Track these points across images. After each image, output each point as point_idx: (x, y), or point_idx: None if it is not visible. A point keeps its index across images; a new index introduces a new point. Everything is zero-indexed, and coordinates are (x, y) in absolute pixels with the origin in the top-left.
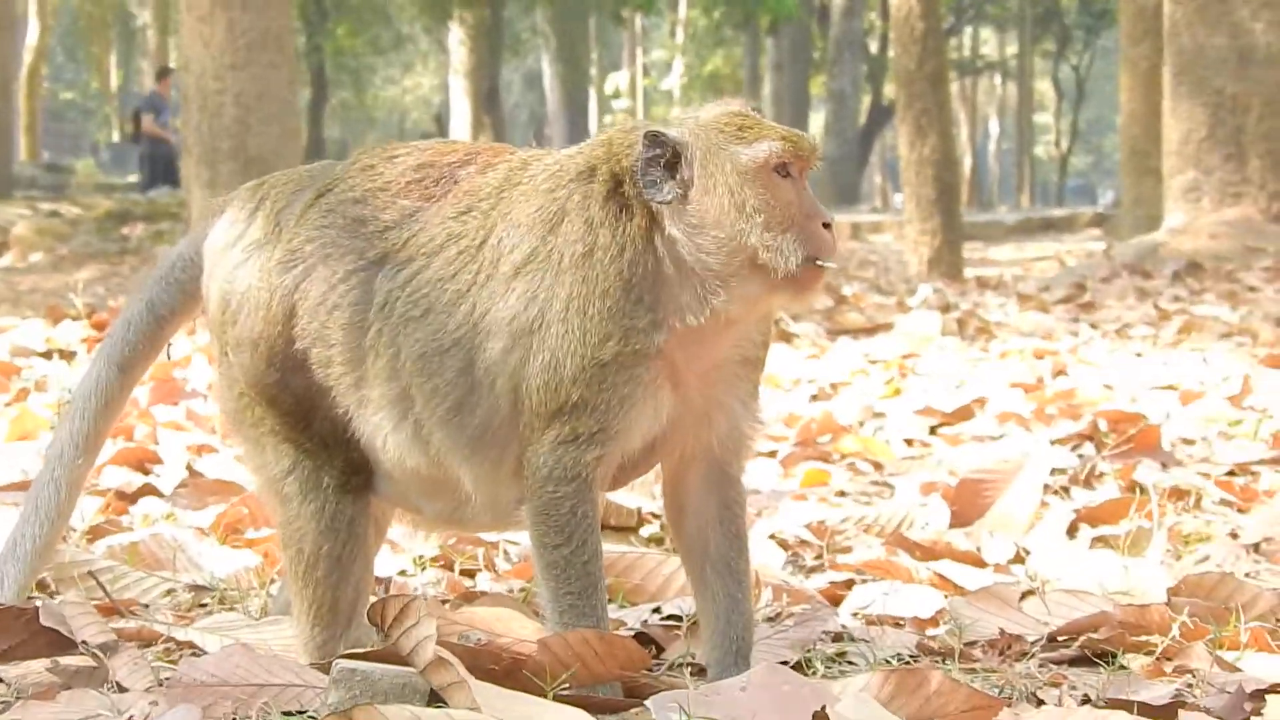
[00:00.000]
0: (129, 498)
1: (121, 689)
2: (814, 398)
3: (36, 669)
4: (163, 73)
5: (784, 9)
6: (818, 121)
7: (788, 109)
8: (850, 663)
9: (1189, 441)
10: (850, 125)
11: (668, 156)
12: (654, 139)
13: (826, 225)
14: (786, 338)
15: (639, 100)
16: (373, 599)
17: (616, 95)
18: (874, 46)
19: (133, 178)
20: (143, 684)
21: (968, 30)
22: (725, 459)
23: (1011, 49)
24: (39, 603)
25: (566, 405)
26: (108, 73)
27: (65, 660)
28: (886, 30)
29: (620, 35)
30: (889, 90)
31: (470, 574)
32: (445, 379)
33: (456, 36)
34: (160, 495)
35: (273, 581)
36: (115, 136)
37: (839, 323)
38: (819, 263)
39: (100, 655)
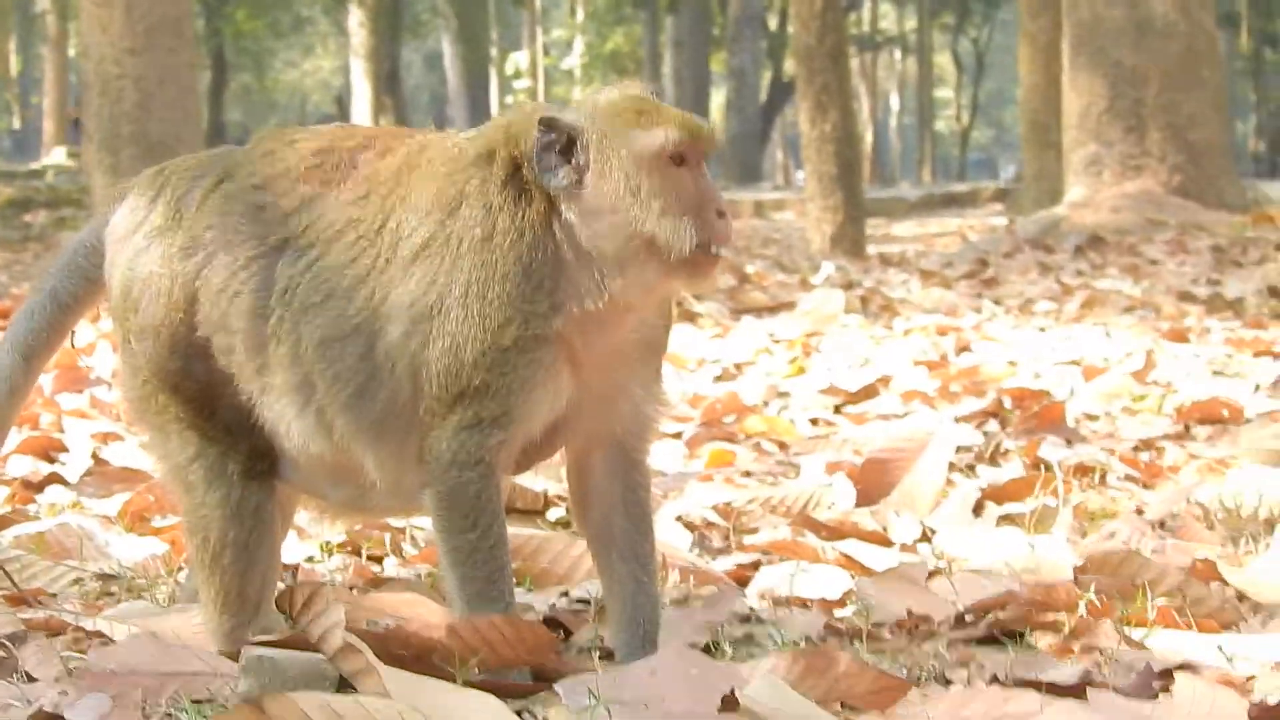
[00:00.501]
0: (35, 486)
1: (30, 679)
2: (718, 378)
3: None
4: None
5: None
6: (719, 99)
7: (688, 86)
8: (758, 644)
9: (1093, 418)
10: (751, 102)
11: (563, 142)
12: (549, 124)
13: (721, 213)
14: (690, 317)
15: (540, 80)
16: (281, 586)
17: (517, 75)
18: (774, 23)
19: (34, 165)
20: (52, 673)
21: (866, 5)
22: (629, 442)
23: (911, 23)
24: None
25: (468, 390)
26: (7, 58)
27: None
28: (786, 6)
29: (520, 15)
30: (789, 67)
31: (377, 559)
32: (346, 365)
33: (356, 18)
34: (66, 484)
35: (180, 569)
36: (16, 124)
37: (742, 301)
38: (714, 250)
39: (8, 645)
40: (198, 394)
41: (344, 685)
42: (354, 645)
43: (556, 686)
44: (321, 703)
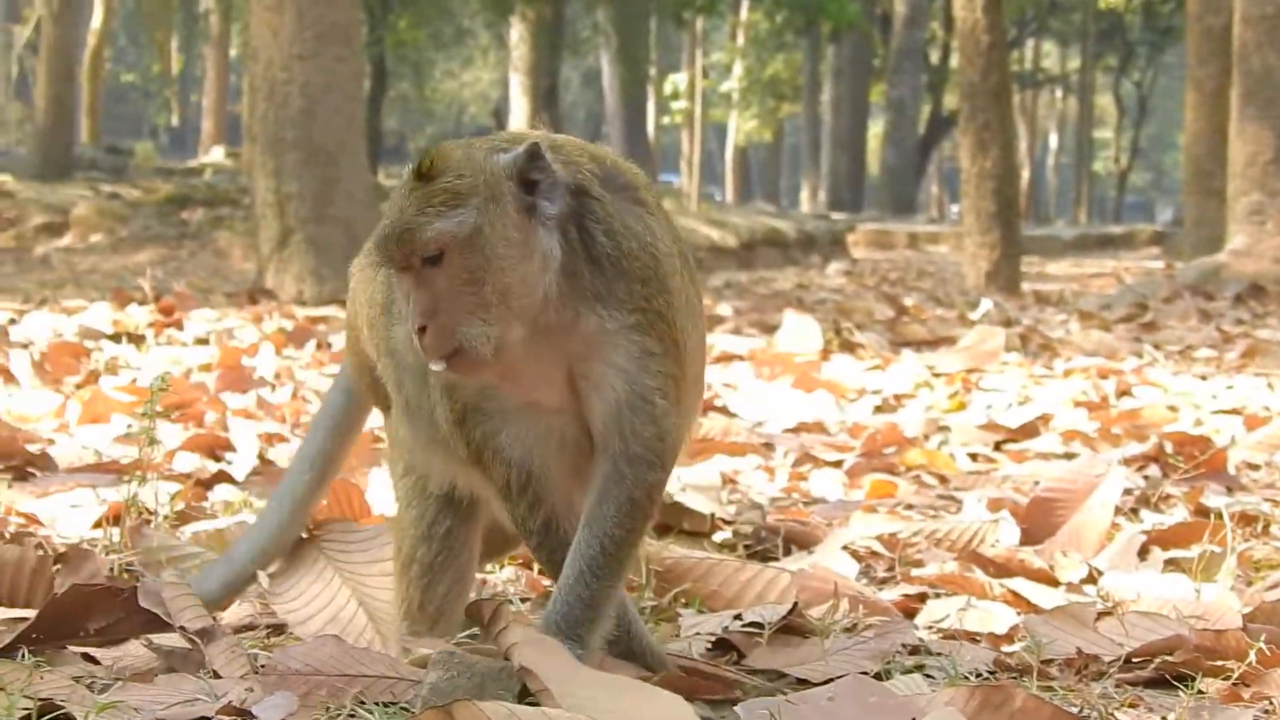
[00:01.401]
0: (205, 484)
1: (217, 675)
2: (878, 409)
3: (132, 649)
4: None
5: (846, 17)
6: (876, 129)
7: (846, 117)
8: (928, 676)
9: (1254, 467)
10: (909, 135)
11: None
12: None
13: (421, 328)
14: (850, 347)
15: (697, 102)
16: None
17: (675, 96)
18: (935, 56)
19: (192, 163)
20: (238, 670)
21: (1029, 43)
22: None
23: (1074, 63)
24: (138, 583)
25: None
26: (169, 57)
27: (160, 640)
28: (948, 40)
29: (681, 37)
30: (948, 101)
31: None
32: None
33: (517, 33)
34: (234, 482)
35: None
36: (175, 121)
37: (901, 334)
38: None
39: (196, 640)
40: None
41: (528, 691)
42: (529, 670)
43: (737, 708)
44: (507, 713)
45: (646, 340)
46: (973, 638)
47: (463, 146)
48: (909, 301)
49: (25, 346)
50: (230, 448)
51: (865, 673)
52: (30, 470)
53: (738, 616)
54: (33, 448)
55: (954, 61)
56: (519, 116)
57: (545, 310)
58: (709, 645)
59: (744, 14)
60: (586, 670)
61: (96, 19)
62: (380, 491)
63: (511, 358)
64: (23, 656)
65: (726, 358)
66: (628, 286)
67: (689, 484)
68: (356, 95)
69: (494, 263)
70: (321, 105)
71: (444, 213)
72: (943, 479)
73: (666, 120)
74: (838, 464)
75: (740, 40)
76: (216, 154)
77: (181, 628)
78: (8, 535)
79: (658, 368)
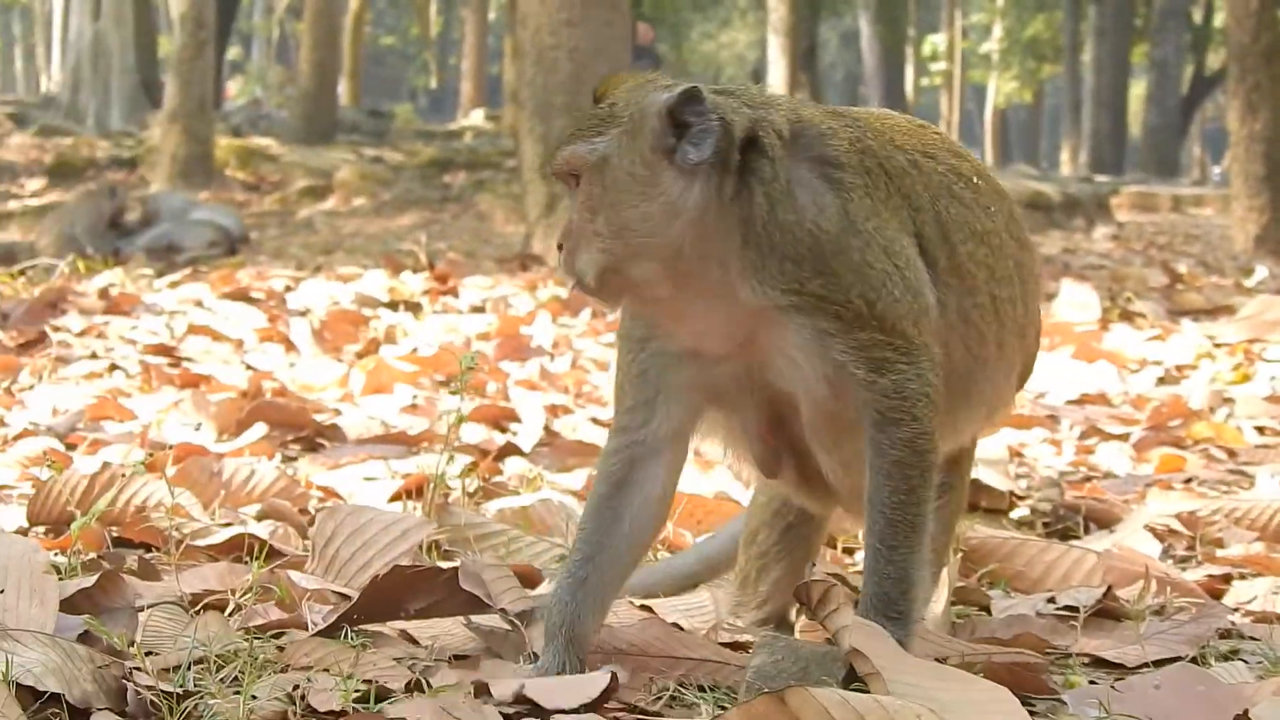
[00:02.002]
0: (495, 456)
1: (536, 657)
2: (1160, 380)
3: (451, 629)
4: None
5: None
6: (1138, 90)
7: (1108, 76)
8: (1244, 660)
9: None
10: (1171, 95)
11: None
12: None
13: (559, 246)
14: (1128, 317)
15: (957, 63)
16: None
17: (934, 57)
18: (1198, 16)
19: (452, 126)
20: None
21: None
22: None
23: None
24: (459, 563)
25: None
26: (428, 19)
27: (479, 619)
28: (1212, 0)
29: None
30: (1212, 60)
31: (850, 551)
32: None
33: None
34: (523, 454)
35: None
36: (433, 84)
37: (1178, 303)
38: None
39: (517, 622)
40: None
41: (853, 674)
42: (862, 653)
43: (1065, 696)
44: (840, 700)
45: (816, 320)
46: None
47: (637, 79)
48: (1181, 268)
49: (304, 314)
50: (515, 418)
51: (1181, 658)
52: (320, 441)
53: (1051, 600)
54: (321, 418)
55: (1217, 21)
56: (777, 78)
57: (684, 258)
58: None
59: None
60: (914, 658)
61: None
62: None
63: (652, 292)
64: (346, 636)
65: None
66: (779, 264)
67: (980, 459)
68: (624, 59)
69: (611, 194)
70: (589, 70)
71: (584, 136)
72: (1231, 453)
73: (925, 82)
74: (1124, 437)
75: (1000, 1)
76: (476, 117)
77: (502, 610)
78: (312, 510)
79: (841, 345)
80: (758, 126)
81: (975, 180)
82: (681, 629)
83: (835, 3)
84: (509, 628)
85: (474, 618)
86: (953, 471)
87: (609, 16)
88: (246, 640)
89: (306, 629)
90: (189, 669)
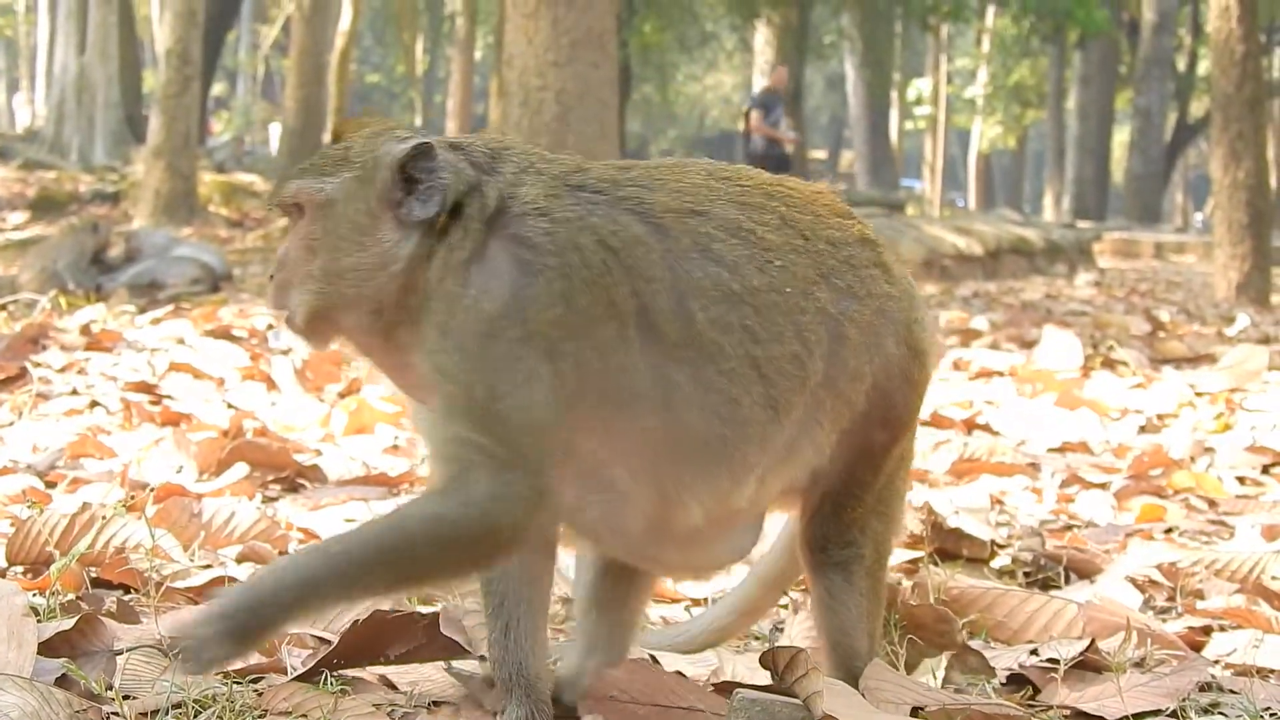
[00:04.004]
0: None
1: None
2: (1142, 429)
3: (429, 674)
4: (776, 69)
5: (1094, 23)
6: (1122, 136)
7: (1092, 123)
8: (1223, 715)
9: None
10: (1155, 143)
11: None
12: None
13: (271, 278)
14: (1110, 364)
15: (941, 108)
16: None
17: (919, 102)
18: (1182, 64)
19: None
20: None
21: (1277, 51)
22: None
23: None
24: (440, 608)
25: None
26: (414, 58)
27: (459, 665)
28: (1195, 48)
29: (925, 42)
30: (1195, 108)
31: None
32: None
33: (762, 36)
34: None
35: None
36: (418, 120)
37: (1160, 351)
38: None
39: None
40: None
41: None
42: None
43: None
44: None
45: (439, 398)
46: (1264, 674)
47: (377, 125)
48: (1163, 315)
49: (286, 353)
50: None
51: (1162, 711)
52: (301, 482)
53: (1033, 651)
54: (302, 459)
55: (1201, 69)
56: None
57: (388, 312)
58: (1003, 681)
59: (990, 19)
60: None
61: (345, 20)
62: None
63: (356, 339)
64: (325, 681)
65: (986, 374)
66: (436, 333)
67: (961, 507)
68: (610, 101)
69: (332, 238)
70: (575, 112)
71: (313, 174)
72: (1212, 503)
73: (910, 125)
74: (1105, 486)
75: (985, 46)
76: None
77: (482, 656)
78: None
79: (449, 430)
80: (470, 193)
81: (759, 232)
82: (681, 675)
83: (821, 46)
84: (488, 674)
85: (454, 663)
86: (861, 529)
87: (595, 58)
88: (225, 685)
89: (285, 673)
90: (168, 714)
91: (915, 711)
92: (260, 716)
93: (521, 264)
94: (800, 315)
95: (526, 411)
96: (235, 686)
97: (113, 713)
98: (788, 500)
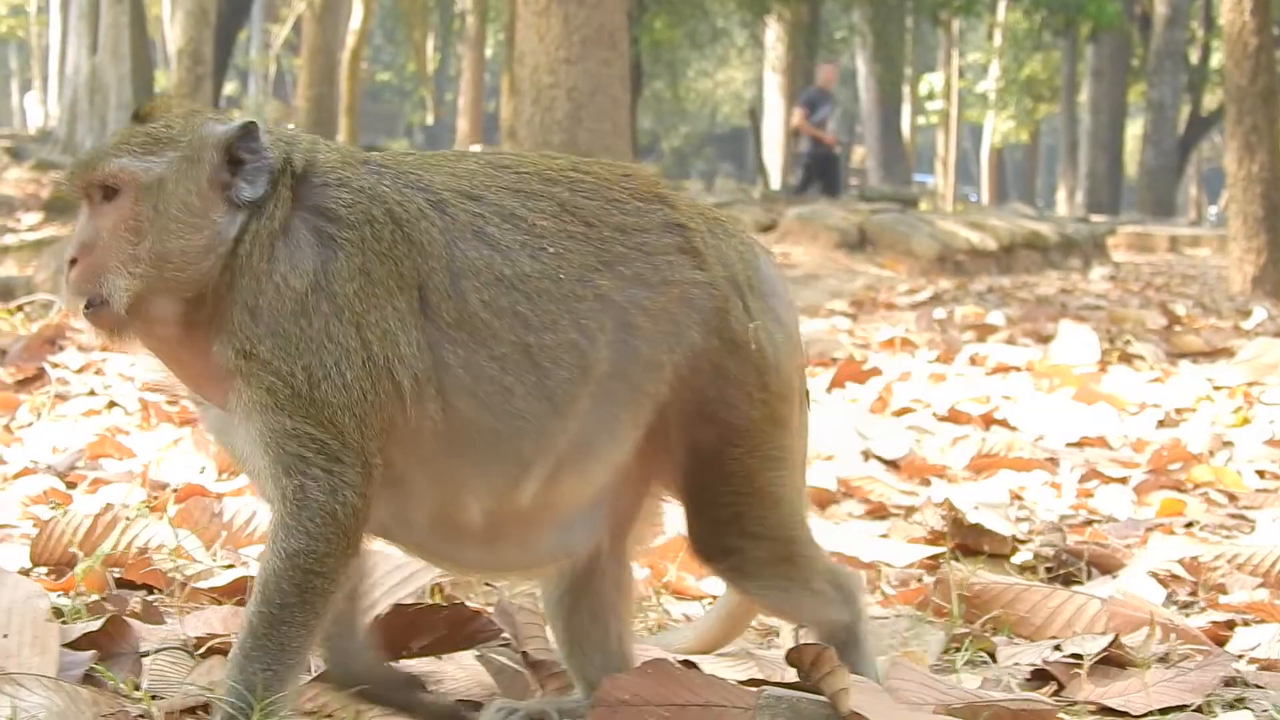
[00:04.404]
0: None
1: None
2: (1160, 423)
3: (454, 671)
4: (823, 67)
5: (1106, 17)
6: (1134, 130)
7: (1105, 116)
8: (1249, 709)
9: None
10: (1168, 136)
11: None
12: None
13: (72, 262)
14: (1128, 359)
15: (954, 102)
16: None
17: (931, 96)
18: (1194, 57)
19: None
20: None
21: None
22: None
23: None
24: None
25: None
26: (425, 56)
27: (492, 654)
28: (1208, 41)
29: (937, 36)
30: (1208, 101)
31: None
32: None
33: (773, 32)
34: None
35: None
36: (430, 120)
37: (1177, 345)
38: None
39: (532, 666)
40: None
41: None
42: (862, 716)
43: None
44: None
45: (253, 391)
46: None
47: (188, 105)
48: (1179, 309)
49: None
50: None
51: (1187, 706)
52: None
53: (1057, 647)
54: None
55: (1214, 62)
56: (774, 115)
57: (205, 299)
58: (1027, 676)
59: (1001, 14)
60: (919, 715)
61: (355, 19)
62: None
63: (158, 330)
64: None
65: (1003, 369)
66: (241, 315)
67: (981, 502)
68: (621, 98)
69: (162, 221)
70: (587, 109)
71: (136, 153)
72: (1231, 497)
73: (922, 120)
74: (1124, 480)
75: (997, 40)
76: None
77: (524, 653)
78: None
79: (261, 426)
80: (282, 167)
81: (531, 219)
82: (692, 666)
83: (832, 41)
84: (519, 668)
85: (487, 652)
86: (740, 533)
87: (607, 55)
88: None
89: (309, 671)
90: (194, 714)
91: (942, 709)
92: (287, 716)
93: (327, 238)
94: (577, 303)
95: (346, 391)
96: None
97: (141, 713)
98: (629, 500)
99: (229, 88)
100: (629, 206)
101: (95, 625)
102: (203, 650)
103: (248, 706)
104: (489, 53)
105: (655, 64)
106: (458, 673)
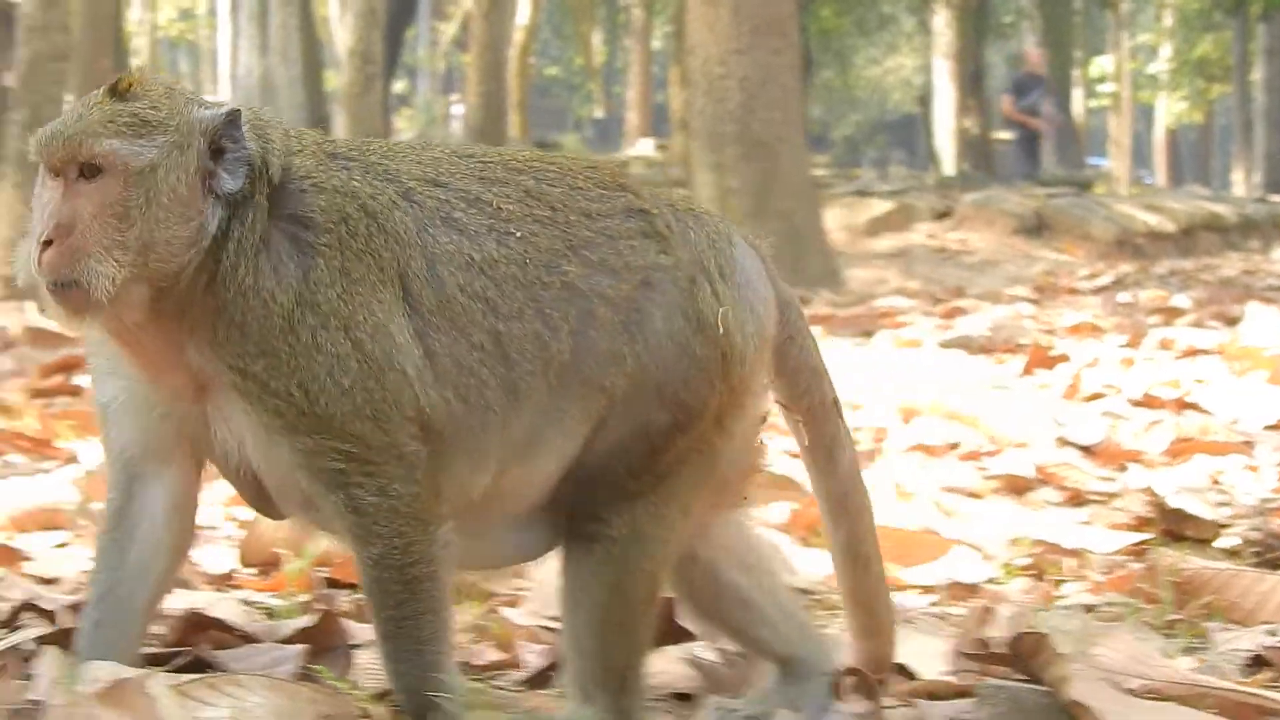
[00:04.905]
0: None
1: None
2: None
3: (666, 666)
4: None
5: None
6: None
7: (1277, 95)
8: None
9: None
10: None
11: None
12: None
13: (45, 241)
14: None
15: (1125, 84)
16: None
17: (1101, 79)
18: None
19: (618, 155)
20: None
21: None
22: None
23: None
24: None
25: None
26: (592, 50)
27: (700, 655)
28: None
29: (1106, 19)
30: None
31: (1058, 583)
32: None
33: (942, 18)
34: None
35: None
36: (599, 113)
37: None
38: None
39: (737, 660)
40: None
41: None
42: (1085, 705)
43: None
44: None
45: (261, 413)
46: None
47: (167, 85)
48: None
49: None
50: None
51: None
52: None
53: (1272, 632)
54: None
55: None
56: (944, 101)
57: (179, 292)
58: (1245, 662)
59: None
60: (1142, 702)
61: (523, 15)
62: None
63: (126, 316)
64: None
65: (1193, 352)
66: (228, 328)
67: (1181, 487)
68: (793, 87)
69: (152, 210)
70: (759, 99)
71: (125, 135)
72: None
73: (1093, 103)
74: None
75: (1168, 21)
76: (645, 146)
77: (722, 648)
78: None
79: (288, 449)
80: (259, 166)
81: (497, 203)
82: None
83: (1001, 25)
84: (728, 665)
85: (694, 653)
86: (617, 510)
87: (778, 45)
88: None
89: (519, 669)
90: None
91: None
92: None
93: (305, 246)
94: (542, 291)
95: (348, 398)
96: (474, 682)
97: (362, 712)
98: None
99: (398, 86)
100: (592, 194)
101: (309, 620)
102: None
103: (427, 701)
104: (656, 45)
105: (824, 52)
106: (670, 666)
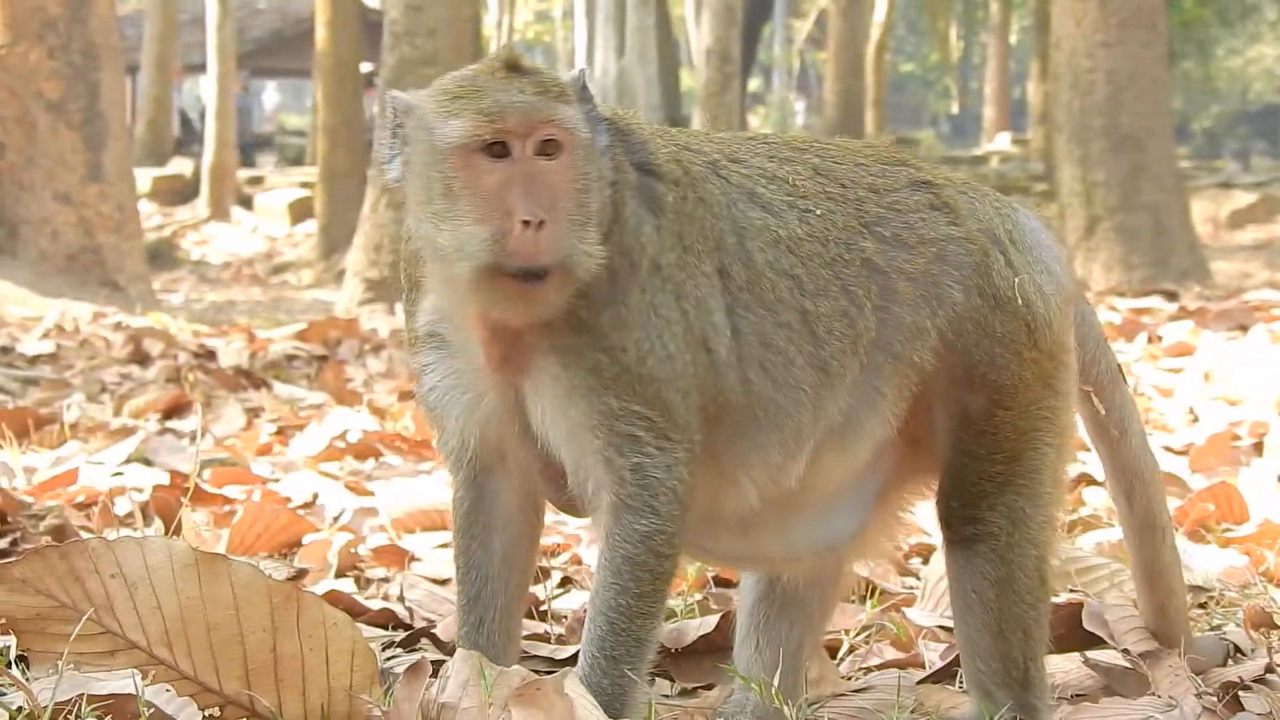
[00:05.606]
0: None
1: (1170, 703)
2: None
3: (1064, 665)
4: None
5: None
6: None
7: None
8: None
9: None
10: None
11: (397, 124)
12: (392, 101)
13: (527, 221)
14: None
15: None
16: None
17: None
18: None
19: (976, 151)
20: (1185, 692)
21: None
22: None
23: None
24: (1083, 601)
25: None
26: (949, 45)
27: (1097, 656)
28: None
29: None
30: None
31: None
32: None
33: None
34: (1098, 483)
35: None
36: (954, 109)
37: None
38: (509, 268)
39: (1139, 662)
40: None
41: None
42: None
43: None
44: None
45: (571, 371)
46: None
47: (512, 48)
48: None
49: None
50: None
51: None
52: None
53: None
54: None
55: None
56: None
57: None
58: None
59: None
60: None
61: (880, 12)
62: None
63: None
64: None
65: None
66: (611, 281)
67: None
68: (1162, 80)
69: (594, 182)
70: (1127, 92)
71: (567, 100)
72: None
73: None
74: None
75: None
76: (1002, 141)
77: (1125, 650)
78: None
79: (585, 408)
80: (614, 120)
81: (793, 180)
82: None
83: None
84: (1129, 666)
85: (1092, 655)
86: (991, 506)
87: (1146, 38)
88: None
89: (924, 668)
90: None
91: None
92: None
93: (652, 200)
94: (844, 268)
95: (670, 364)
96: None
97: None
98: (876, 479)
99: (752, 84)
100: (875, 169)
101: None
102: None
103: (626, 704)
104: (1013, 39)
105: (1185, 43)
106: (1067, 664)
